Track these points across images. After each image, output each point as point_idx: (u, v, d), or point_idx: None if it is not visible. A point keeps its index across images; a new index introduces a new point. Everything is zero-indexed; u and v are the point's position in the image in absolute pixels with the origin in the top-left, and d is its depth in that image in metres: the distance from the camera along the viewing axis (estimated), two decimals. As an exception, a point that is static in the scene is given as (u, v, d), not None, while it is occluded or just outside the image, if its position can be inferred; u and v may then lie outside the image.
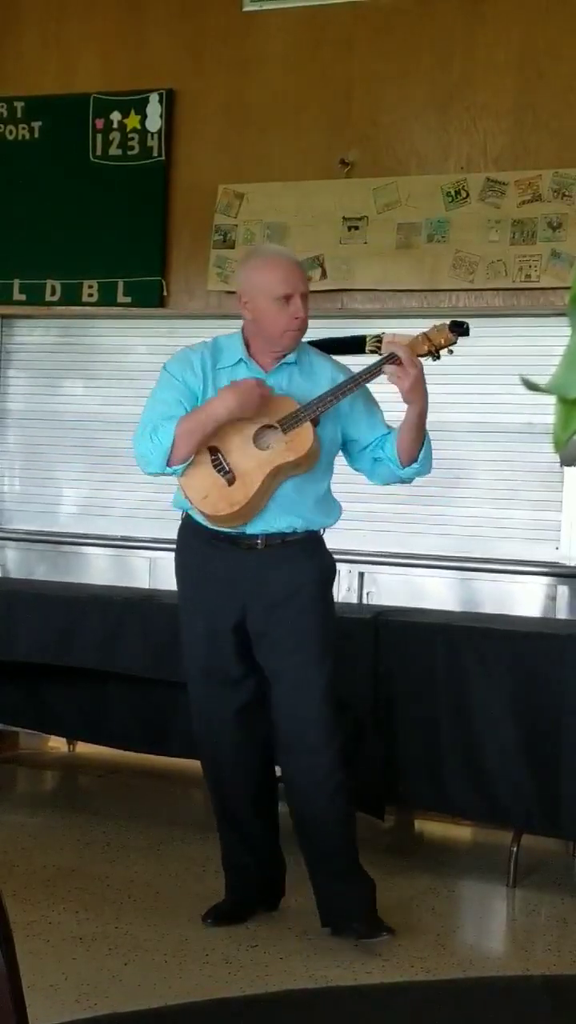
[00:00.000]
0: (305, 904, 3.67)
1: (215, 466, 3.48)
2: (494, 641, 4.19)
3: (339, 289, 5.37)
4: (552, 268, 5.03)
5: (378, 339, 3.54)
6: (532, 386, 0.96)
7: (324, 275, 5.37)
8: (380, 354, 3.49)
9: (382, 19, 5.40)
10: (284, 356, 3.54)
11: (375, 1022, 1.61)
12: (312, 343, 3.68)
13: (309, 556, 3.56)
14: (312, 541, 3.58)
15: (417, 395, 3.42)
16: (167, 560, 5.96)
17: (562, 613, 5.13)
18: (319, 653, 3.51)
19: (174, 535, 5.82)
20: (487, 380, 5.28)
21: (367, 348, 3.60)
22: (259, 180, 5.53)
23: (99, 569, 5.88)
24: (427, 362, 3.50)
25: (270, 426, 3.44)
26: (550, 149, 5.12)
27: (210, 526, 3.56)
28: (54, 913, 3.72)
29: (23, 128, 5.98)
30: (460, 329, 3.48)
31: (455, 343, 3.48)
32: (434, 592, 5.28)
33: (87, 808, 4.93)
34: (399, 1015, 1.62)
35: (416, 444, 3.52)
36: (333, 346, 3.74)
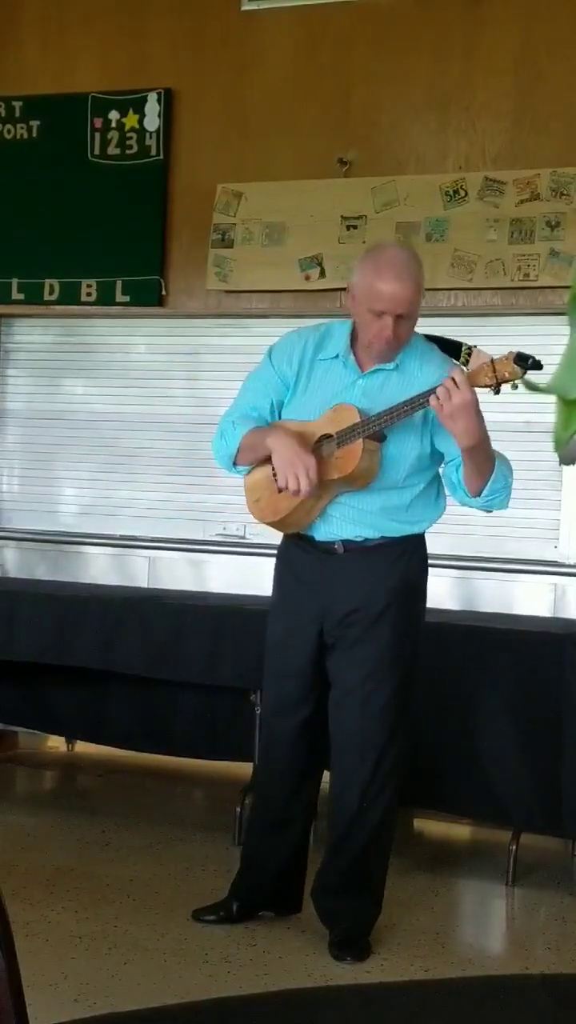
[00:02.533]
0: (306, 904, 3.67)
1: (274, 472, 3.42)
2: (493, 640, 4.19)
3: (338, 288, 5.36)
4: (551, 267, 5.03)
5: (469, 351, 3.41)
6: (532, 386, 0.96)
7: (323, 274, 5.37)
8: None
9: (381, 18, 5.40)
10: (387, 361, 3.41)
11: (375, 1022, 1.60)
12: (430, 337, 3.55)
13: (391, 564, 3.44)
14: (398, 546, 3.46)
15: (458, 428, 3.18)
16: (167, 560, 6.02)
17: (562, 612, 5.13)
18: (385, 669, 3.42)
19: (174, 535, 5.88)
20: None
21: (460, 358, 3.46)
22: (258, 179, 5.53)
23: (99, 569, 5.88)
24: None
25: (330, 436, 3.38)
26: (548, 148, 5.12)
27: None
28: (53, 912, 3.72)
29: (21, 127, 5.98)
30: (524, 363, 3.14)
31: (520, 377, 3.14)
32: (433, 591, 5.25)
33: (86, 808, 4.93)
34: (399, 1015, 1.62)
35: (476, 479, 3.32)
36: (445, 345, 3.57)
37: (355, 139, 5.42)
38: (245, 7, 5.61)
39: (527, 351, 4.99)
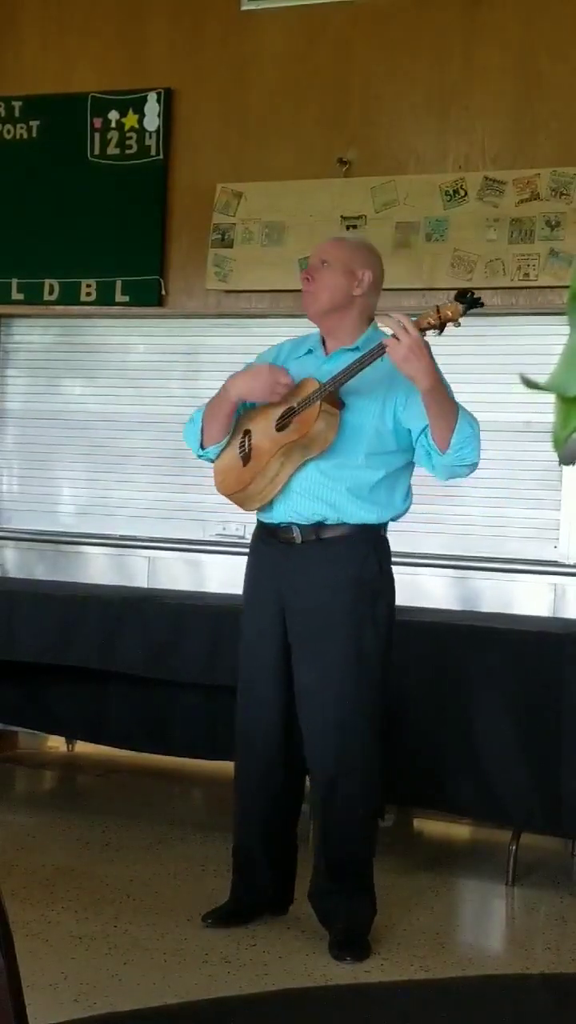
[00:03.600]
0: (304, 904, 3.67)
1: (239, 448, 3.56)
2: (493, 640, 4.19)
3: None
4: (550, 267, 5.03)
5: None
6: (531, 384, 0.96)
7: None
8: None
9: (380, 18, 5.40)
10: (350, 343, 3.54)
11: (375, 1021, 1.60)
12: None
13: (346, 558, 3.46)
14: (354, 540, 3.47)
15: (413, 368, 3.24)
16: (167, 560, 6.01)
17: (561, 612, 5.13)
18: (341, 669, 3.43)
19: (173, 535, 5.88)
20: (486, 379, 5.27)
21: None
22: (257, 179, 5.52)
23: (99, 569, 5.88)
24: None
25: (291, 409, 3.47)
26: (548, 148, 5.12)
27: (257, 515, 3.59)
28: (53, 913, 3.72)
29: (21, 127, 5.98)
30: (465, 299, 3.26)
31: (462, 315, 3.27)
32: (433, 591, 5.28)
33: (86, 808, 4.93)
34: (399, 1014, 1.62)
35: (442, 425, 3.34)
36: None
37: (355, 139, 5.42)
38: (245, 7, 5.61)
39: (526, 350, 4.99)
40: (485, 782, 4.14)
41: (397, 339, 3.26)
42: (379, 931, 3.59)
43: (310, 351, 3.61)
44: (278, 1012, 1.63)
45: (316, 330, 3.66)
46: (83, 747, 5.62)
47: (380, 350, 3.33)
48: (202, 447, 3.60)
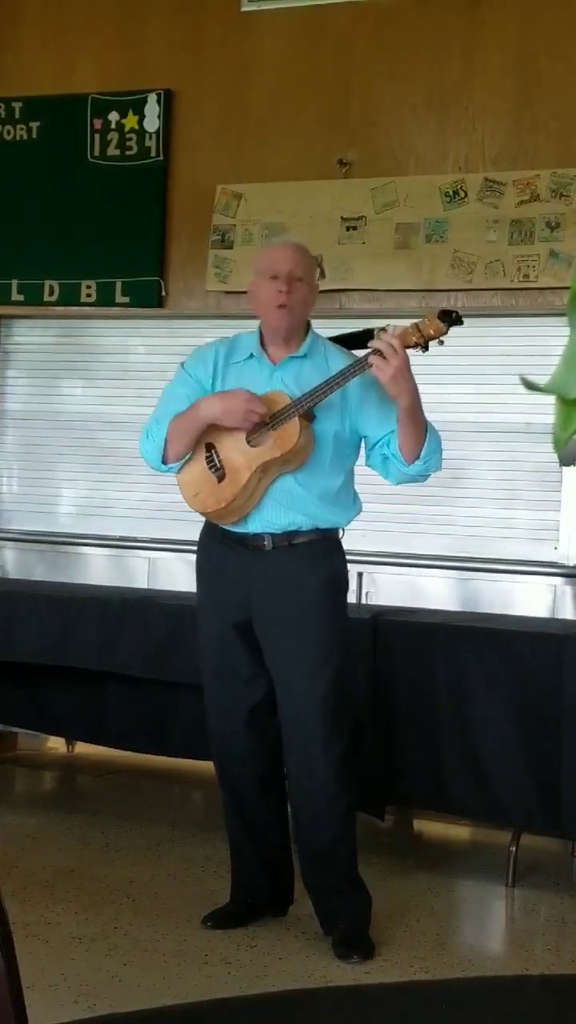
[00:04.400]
0: (304, 905, 3.67)
1: (208, 463, 3.51)
2: (493, 641, 4.19)
3: (337, 289, 5.37)
4: (550, 268, 5.03)
5: (384, 330, 3.50)
6: (532, 386, 0.96)
7: (322, 275, 5.36)
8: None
9: (380, 19, 5.40)
10: (295, 350, 3.53)
11: (375, 1022, 1.60)
12: (330, 339, 3.66)
13: (317, 560, 3.51)
14: (322, 543, 3.53)
15: (399, 388, 3.32)
16: (166, 560, 6.01)
17: (561, 613, 5.13)
18: (320, 661, 3.47)
19: (173, 535, 5.87)
20: (486, 380, 5.28)
21: (375, 338, 3.57)
22: (257, 180, 5.53)
23: (98, 569, 5.88)
24: (425, 359, 3.47)
25: (263, 423, 3.45)
26: (548, 149, 5.12)
27: (221, 525, 3.57)
28: (53, 914, 3.72)
29: (21, 128, 5.98)
30: (449, 318, 3.32)
31: (445, 333, 3.34)
32: (433, 592, 5.28)
33: (86, 808, 4.92)
34: (398, 1015, 1.62)
35: (413, 440, 3.43)
36: (347, 340, 3.68)
37: (355, 140, 5.42)
38: (245, 8, 5.61)
39: (527, 351, 4.97)
40: (485, 782, 4.14)
41: (382, 355, 3.30)
42: (379, 932, 3.59)
43: (251, 356, 3.55)
44: (278, 1013, 1.63)
45: (246, 333, 3.63)
46: (83, 748, 5.62)
47: (362, 366, 3.37)
48: (164, 462, 3.56)
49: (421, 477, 3.55)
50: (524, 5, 5.18)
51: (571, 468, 5.04)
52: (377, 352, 3.31)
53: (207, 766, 5.22)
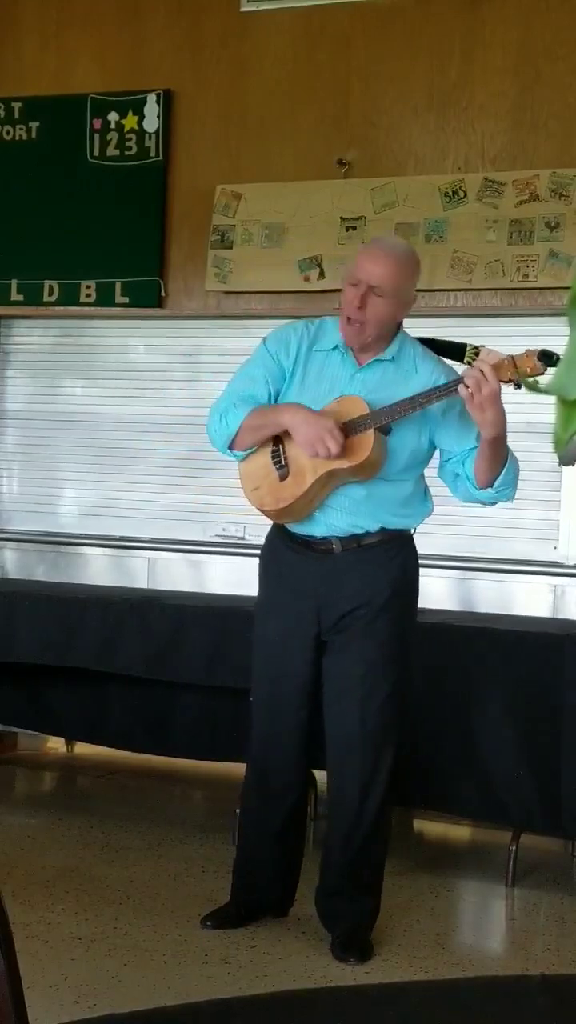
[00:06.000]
0: (304, 905, 3.67)
1: (273, 457, 3.41)
2: (493, 641, 4.19)
3: (337, 289, 5.34)
4: (550, 268, 5.03)
5: (476, 351, 3.36)
6: (532, 386, 0.96)
7: (322, 275, 5.37)
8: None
9: (380, 19, 5.40)
10: (382, 352, 3.42)
11: (375, 1022, 1.60)
12: (421, 340, 3.54)
13: (385, 563, 3.44)
14: (392, 544, 3.46)
15: (486, 420, 3.20)
16: (166, 561, 6.01)
17: (561, 613, 5.13)
18: (382, 667, 3.42)
19: (173, 536, 5.87)
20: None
21: (465, 359, 3.43)
22: (257, 180, 5.53)
23: (99, 570, 5.88)
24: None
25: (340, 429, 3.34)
26: (548, 149, 5.12)
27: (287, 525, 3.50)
28: (53, 914, 3.72)
29: (21, 129, 5.98)
30: (549, 360, 3.19)
31: (542, 374, 3.18)
32: (433, 592, 5.27)
33: (86, 809, 4.92)
34: (399, 1015, 1.62)
35: (490, 469, 3.34)
36: (440, 347, 3.56)
37: (354, 140, 5.42)
38: (244, 8, 5.61)
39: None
40: (485, 782, 4.14)
41: (470, 390, 3.17)
42: (379, 932, 3.59)
43: (336, 348, 3.43)
44: (278, 1013, 1.62)
45: (328, 319, 3.50)
46: (83, 748, 5.62)
47: (450, 391, 3.27)
48: (231, 448, 3.45)
49: (489, 503, 3.49)
50: (524, 5, 5.18)
51: (571, 468, 5.04)
52: (468, 384, 3.19)
53: (207, 766, 5.25)
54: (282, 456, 3.40)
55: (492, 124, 5.21)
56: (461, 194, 5.20)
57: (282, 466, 3.39)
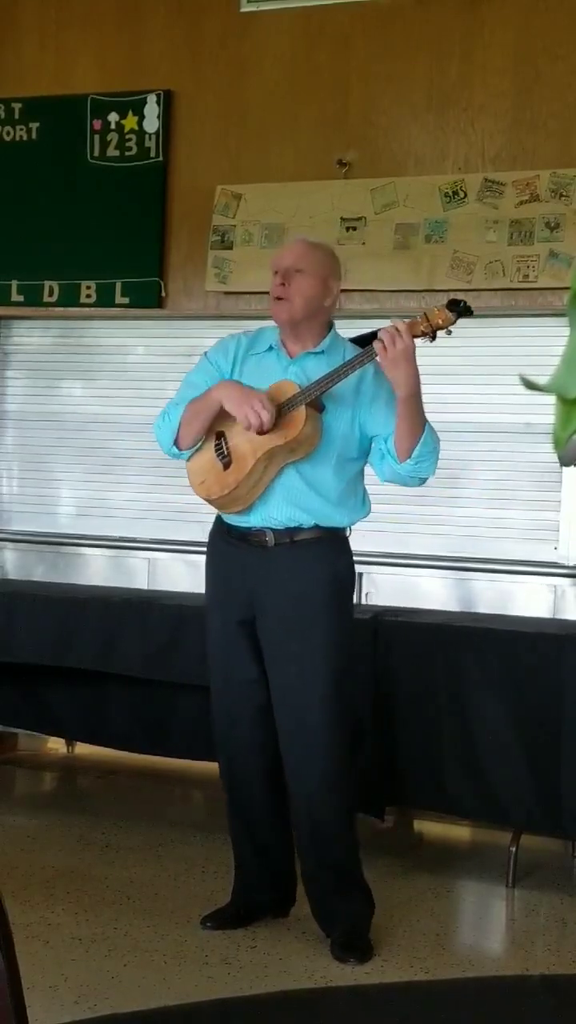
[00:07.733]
0: (305, 905, 3.67)
1: (216, 451, 3.53)
2: (493, 641, 4.19)
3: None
4: (550, 268, 5.03)
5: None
6: (531, 386, 0.96)
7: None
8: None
9: (380, 19, 5.40)
10: (314, 347, 3.54)
11: (375, 1022, 1.60)
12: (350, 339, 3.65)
13: (320, 560, 3.50)
14: (326, 542, 3.52)
15: (399, 374, 3.32)
16: (166, 561, 6.01)
17: (561, 613, 5.13)
18: (321, 661, 3.46)
19: (173, 536, 5.88)
20: (485, 380, 5.28)
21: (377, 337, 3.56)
22: (257, 181, 5.53)
23: (98, 570, 5.88)
24: (425, 359, 3.45)
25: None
26: (548, 149, 5.12)
27: (225, 518, 3.58)
28: (53, 914, 3.72)
29: (20, 129, 5.98)
30: (457, 308, 3.31)
31: (453, 323, 3.33)
32: (433, 592, 5.28)
33: (86, 809, 4.92)
34: (399, 1015, 1.62)
35: (409, 435, 3.42)
36: (363, 341, 3.64)
37: (354, 140, 5.42)
38: (244, 8, 5.61)
39: (526, 351, 4.97)
40: (485, 783, 4.14)
41: (384, 345, 3.31)
42: (379, 933, 3.59)
43: (271, 348, 3.59)
44: (278, 1014, 1.62)
45: (270, 325, 3.64)
46: (82, 749, 5.62)
47: (368, 355, 3.38)
48: (177, 447, 3.58)
49: (411, 479, 3.53)
50: (524, 5, 5.18)
51: (571, 468, 5.04)
52: (383, 339, 3.32)
53: (207, 766, 5.23)
54: (224, 448, 3.52)
55: (492, 124, 5.21)
56: (461, 194, 5.20)
57: (224, 456, 3.51)
